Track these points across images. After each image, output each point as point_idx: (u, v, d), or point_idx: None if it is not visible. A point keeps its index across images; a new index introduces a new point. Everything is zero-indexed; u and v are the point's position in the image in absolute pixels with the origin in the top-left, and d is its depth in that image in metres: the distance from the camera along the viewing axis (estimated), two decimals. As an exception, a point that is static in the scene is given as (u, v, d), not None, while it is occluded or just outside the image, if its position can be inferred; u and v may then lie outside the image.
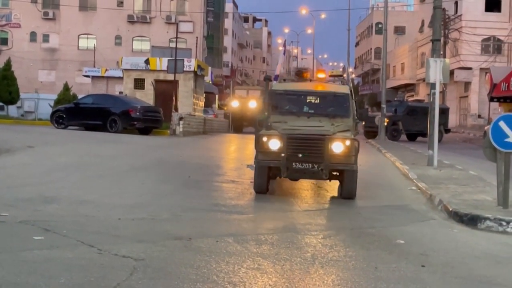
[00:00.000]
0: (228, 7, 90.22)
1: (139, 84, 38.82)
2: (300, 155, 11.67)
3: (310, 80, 14.76)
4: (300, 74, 15.02)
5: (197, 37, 61.85)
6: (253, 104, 38.69)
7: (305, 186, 14.33)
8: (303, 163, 11.68)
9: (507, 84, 46.75)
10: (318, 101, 13.05)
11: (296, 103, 13.10)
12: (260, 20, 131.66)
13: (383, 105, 36.55)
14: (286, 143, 11.66)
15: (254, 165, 12.15)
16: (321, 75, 16.10)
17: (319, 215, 10.74)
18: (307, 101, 13.03)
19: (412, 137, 39.68)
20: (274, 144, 11.76)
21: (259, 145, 11.83)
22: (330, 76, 15.65)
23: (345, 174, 11.97)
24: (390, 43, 62.79)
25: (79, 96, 37.22)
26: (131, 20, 65.10)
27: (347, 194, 12.13)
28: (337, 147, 11.68)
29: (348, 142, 11.71)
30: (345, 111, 12.89)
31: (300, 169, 11.74)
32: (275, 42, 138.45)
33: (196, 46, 59.16)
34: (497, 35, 57.37)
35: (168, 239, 8.03)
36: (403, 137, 39.58)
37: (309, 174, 11.89)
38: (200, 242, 7.91)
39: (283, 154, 11.67)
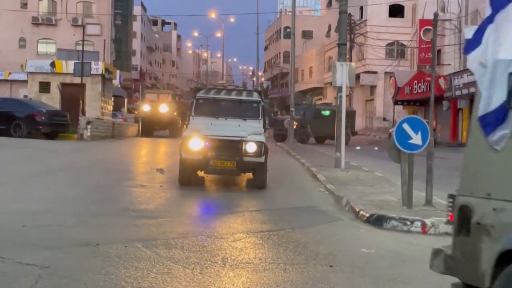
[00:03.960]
0: (137, 9, 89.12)
1: (44, 87, 37.83)
2: None
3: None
4: None
5: (104, 40, 60.80)
6: (164, 108, 38.35)
7: (214, 190, 14.34)
8: None
9: (410, 88, 48.27)
10: None
11: None
12: (169, 23, 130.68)
13: (292, 109, 37.01)
14: None
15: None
16: None
17: (229, 218, 10.76)
18: None
19: (320, 140, 40.34)
20: None
21: None
22: None
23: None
24: (298, 47, 63.61)
25: (-19, 100, 35.88)
26: (35, 22, 63.33)
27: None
28: None
29: None
30: None
31: None
32: (184, 46, 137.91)
33: (104, 49, 58.14)
34: (401, 40, 59.08)
35: (75, 245, 7.87)
36: (312, 139, 40.19)
37: None
38: (108, 248, 7.78)
39: None
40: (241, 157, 13.38)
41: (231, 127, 14.04)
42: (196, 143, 13.34)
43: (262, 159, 13.53)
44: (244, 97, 15.17)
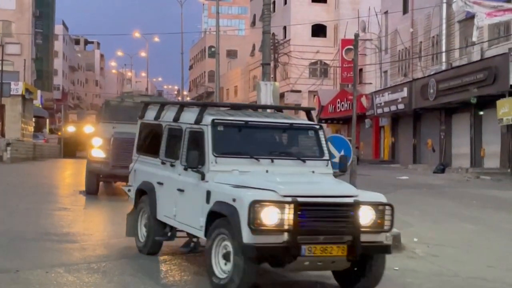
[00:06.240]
0: (58, 29, 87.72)
1: (-39, 108, 36.76)
2: None
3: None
4: None
5: (25, 60, 59.54)
6: (89, 128, 37.76)
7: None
8: None
9: (333, 106, 49.07)
10: None
11: None
12: (92, 42, 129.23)
13: (217, 128, 36.99)
14: None
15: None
16: None
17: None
18: None
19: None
20: None
21: None
22: None
23: None
24: (223, 67, 63.87)
25: None
26: (-48, 40, 61.58)
27: None
28: None
29: None
30: None
31: None
32: (108, 65, 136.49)
33: (24, 69, 56.93)
34: (323, 59, 60.04)
35: (-7, 272, 7.60)
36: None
37: None
38: (28, 274, 7.55)
39: None
40: (356, 235, 6.97)
41: (307, 178, 7.87)
42: (273, 214, 6.69)
43: (384, 238, 7.43)
44: (291, 120, 8.60)
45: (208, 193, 7.35)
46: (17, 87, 36.82)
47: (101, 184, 16.88)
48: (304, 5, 60.75)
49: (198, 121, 7.94)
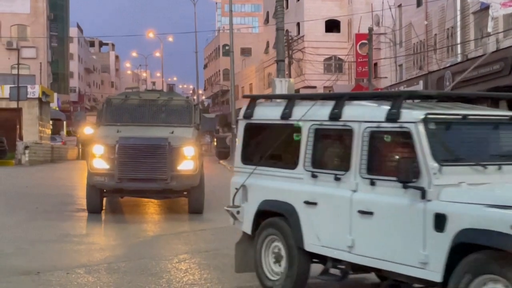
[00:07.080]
0: (73, 31, 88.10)
1: (-21, 113, 37.05)
2: None
3: None
4: None
5: (40, 63, 59.82)
6: None
7: (156, 210, 14.20)
8: None
9: (349, 101, 48.93)
10: None
11: None
12: (106, 44, 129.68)
13: (233, 126, 37.06)
14: None
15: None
16: None
17: (173, 239, 10.64)
18: None
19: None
20: None
21: None
22: None
23: None
24: (237, 65, 63.93)
25: None
26: (-32, 46, 62.02)
27: None
28: None
29: None
30: None
31: None
32: (123, 66, 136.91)
33: (40, 72, 57.19)
34: (338, 54, 59.83)
35: (14, 274, 7.65)
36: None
37: None
38: (49, 276, 7.60)
39: None
40: None
41: None
42: None
43: None
44: (506, 112, 6.73)
45: (440, 217, 5.29)
46: (34, 90, 37.00)
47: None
48: (317, 0, 60.61)
49: (394, 117, 5.83)
